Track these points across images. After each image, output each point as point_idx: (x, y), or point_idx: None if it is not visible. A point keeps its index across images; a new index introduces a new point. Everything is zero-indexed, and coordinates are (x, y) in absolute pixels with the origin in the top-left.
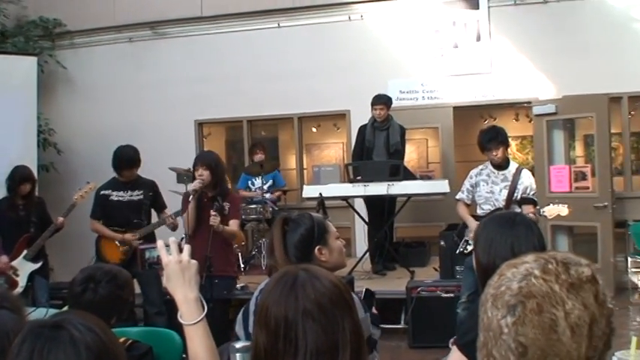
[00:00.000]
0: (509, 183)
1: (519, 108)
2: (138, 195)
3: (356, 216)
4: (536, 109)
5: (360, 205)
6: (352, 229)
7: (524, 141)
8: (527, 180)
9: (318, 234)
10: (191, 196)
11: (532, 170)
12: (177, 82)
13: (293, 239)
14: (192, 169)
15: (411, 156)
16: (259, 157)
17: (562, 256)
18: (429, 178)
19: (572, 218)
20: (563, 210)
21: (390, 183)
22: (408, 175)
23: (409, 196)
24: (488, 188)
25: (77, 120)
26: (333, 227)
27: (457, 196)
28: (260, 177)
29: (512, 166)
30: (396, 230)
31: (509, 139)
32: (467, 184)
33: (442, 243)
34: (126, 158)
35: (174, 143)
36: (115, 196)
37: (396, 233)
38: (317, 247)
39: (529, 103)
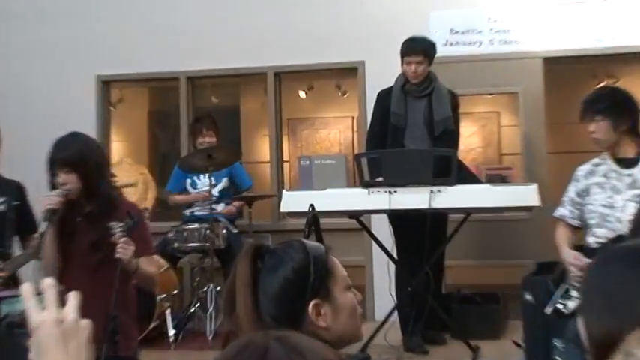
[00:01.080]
0: None
1: None
2: None
3: (374, 247)
4: None
5: (381, 227)
6: (368, 270)
7: None
8: None
9: (315, 279)
10: (45, 224)
11: None
12: (64, 14)
13: (271, 287)
14: (49, 169)
15: (470, 142)
16: (207, 140)
17: None
18: (502, 180)
19: None
20: None
21: (436, 189)
22: (467, 176)
23: (469, 213)
24: (605, 198)
25: None
26: (343, 268)
27: (556, 213)
28: (207, 174)
29: None
30: (446, 273)
31: None
32: (571, 192)
33: (527, 296)
34: None
35: (60, 116)
36: None
37: (446, 278)
38: (312, 303)
39: None
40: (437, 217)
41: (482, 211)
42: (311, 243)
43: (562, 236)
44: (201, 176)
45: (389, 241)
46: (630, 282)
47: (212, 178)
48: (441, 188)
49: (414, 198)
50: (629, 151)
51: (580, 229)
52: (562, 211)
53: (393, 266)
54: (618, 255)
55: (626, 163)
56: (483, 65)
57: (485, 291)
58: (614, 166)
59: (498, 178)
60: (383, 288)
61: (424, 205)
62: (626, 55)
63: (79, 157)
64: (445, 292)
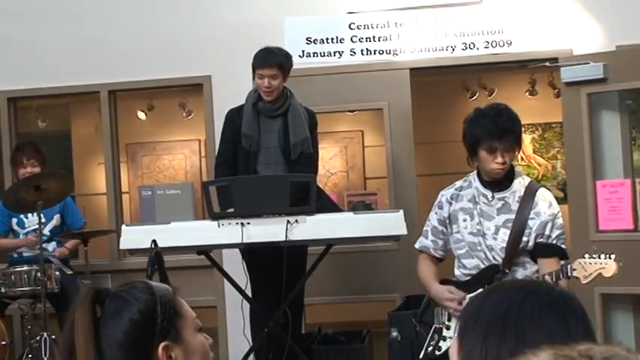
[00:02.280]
0: (512, 215)
1: (538, 71)
2: None
3: (226, 285)
4: (568, 73)
5: (233, 263)
6: (220, 310)
7: (547, 133)
8: (545, 209)
9: (163, 320)
10: None
11: (562, 190)
12: None
13: (115, 333)
14: None
15: (332, 165)
16: (29, 171)
17: (604, 354)
18: (366, 207)
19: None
20: (607, 266)
21: (293, 219)
22: (325, 204)
23: (330, 244)
24: (473, 225)
25: None
26: (191, 310)
27: (417, 245)
28: (35, 212)
29: (519, 183)
30: (306, 311)
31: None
32: (433, 220)
33: (394, 334)
34: None
35: None
36: None
37: (306, 317)
38: (162, 345)
39: (555, 60)
40: (295, 250)
41: (345, 242)
42: (156, 283)
43: (427, 271)
44: (28, 215)
45: (242, 279)
46: (521, 309)
47: (41, 216)
48: (299, 218)
49: (269, 229)
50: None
51: (443, 260)
52: (424, 242)
53: (247, 306)
54: (499, 291)
55: (497, 187)
56: (344, 78)
57: (350, 329)
58: (483, 189)
59: (362, 204)
60: (237, 330)
61: (281, 237)
62: (502, 64)
63: None
64: (305, 332)
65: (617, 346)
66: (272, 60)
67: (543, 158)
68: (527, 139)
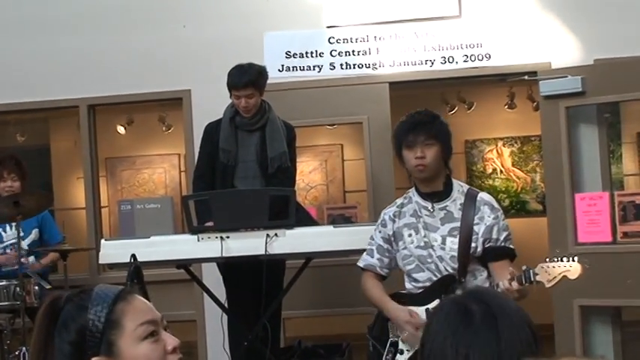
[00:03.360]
0: (457, 224)
1: (516, 84)
2: None
3: (206, 299)
4: (547, 86)
5: (213, 277)
6: (199, 324)
7: (526, 146)
8: (488, 212)
9: (93, 336)
10: None
11: (541, 202)
12: None
13: (60, 346)
14: None
15: (311, 179)
16: (9, 185)
17: None
18: (346, 220)
19: (624, 292)
20: (572, 269)
21: (273, 232)
22: (305, 217)
23: (310, 258)
24: (420, 239)
25: None
26: (141, 315)
27: (361, 263)
28: (13, 225)
29: (458, 191)
30: (285, 324)
31: (499, 143)
32: (377, 239)
33: (373, 346)
34: None
35: None
36: None
37: (285, 330)
38: (94, 359)
39: (533, 74)
40: (273, 264)
41: (325, 255)
42: (101, 290)
43: (377, 288)
44: (7, 227)
45: (222, 292)
46: (452, 341)
47: (19, 230)
48: (279, 232)
49: (248, 243)
50: (438, 184)
51: (386, 278)
52: (370, 261)
53: (225, 319)
54: (443, 311)
55: (437, 197)
56: (324, 92)
57: (329, 342)
58: (423, 202)
59: (341, 218)
60: (216, 344)
61: (260, 251)
62: (481, 77)
63: None
64: (285, 346)
65: (598, 359)
66: (245, 80)
67: (522, 171)
68: (506, 151)
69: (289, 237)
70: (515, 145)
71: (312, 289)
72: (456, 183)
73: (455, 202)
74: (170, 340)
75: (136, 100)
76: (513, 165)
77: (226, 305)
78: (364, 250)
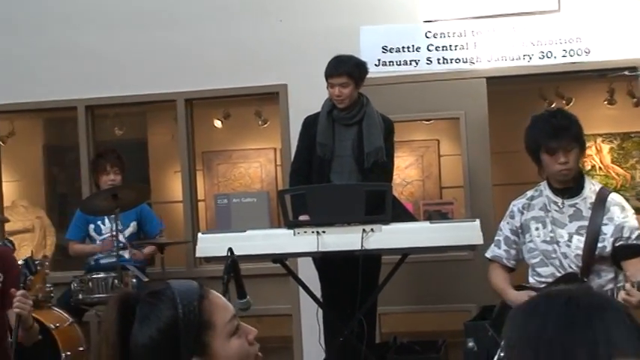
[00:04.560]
0: (585, 222)
1: (616, 80)
2: None
3: (302, 293)
4: None
5: (309, 271)
6: (295, 319)
7: (626, 143)
8: (618, 213)
9: (186, 337)
10: None
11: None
12: None
13: (138, 347)
14: None
15: (408, 174)
16: (111, 178)
17: None
18: (442, 216)
19: None
20: None
21: (369, 228)
22: (401, 213)
23: (406, 254)
24: (546, 233)
25: None
26: (225, 311)
27: (489, 254)
28: (113, 217)
29: (590, 189)
30: (381, 320)
31: (598, 140)
32: (505, 230)
33: (470, 344)
34: None
35: None
36: None
37: (381, 326)
38: None
39: (634, 69)
40: (369, 259)
41: (421, 252)
42: (182, 288)
43: (501, 278)
44: (106, 220)
45: (318, 287)
46: (561, 339)
47: (118, 222)
48: (375, 227)
49: (344, 238)
50: (570, 181)
51: (514, 270)
52: (497, 252)
53: (320, 313)
54: (539, 303)
55: (568, 193)
56: (420, 87)
57: (425, 339)
58: (554, 197)
59: (438, 214)
60: (312, 338)
61: (356, 246)
62: (580, 72)
63: None
64: (380, 342)
65: None
66: (341, 69)
67: (622, 168)
68: (605, 148)
69: (385, 232)
70: (615, 141)
71: (408, 286)
72: (588, 181)
73: (585, 201)
74: (249, 330)
75: (232, 95)
76: (612, 162)
77: (322, 300)
78: (461, 246)
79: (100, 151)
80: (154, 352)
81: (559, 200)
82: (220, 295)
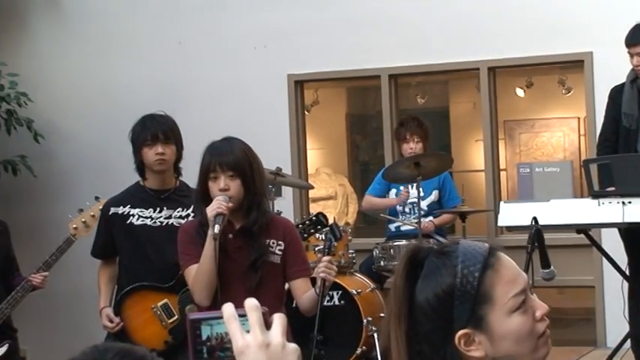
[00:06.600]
0: None
1: None
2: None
3: (605, 265)
4: None
5: (612, 242)
6: (598, 291)
7: None
8: None
9: (460, 308)
10: (216, 229)
11: None
12: (247, 9)
13: (420, 301)
14: (203, 174)
15: None
16: (411, 147)
17: None
18: None
19: None
20: None
21: None
22: None
23: None
24: None
25: (73, 79)
26: (510, 284)
27: None
28: (414, 185)
29: None
30: None
31: None
32: None
33: None
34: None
35: (249, 120)
36: (139, 217)
37: None
38: (459, 334)
39: None
40: None
41: None
42: (469, 254)
43: None
44: (407, 187)
45: (623, 258)
46: None
47: (420, 190)
48: None
49: None
50: None
51: None
52: None
53: (626, 286)
54: None
55: None
56: None
57: None
58: None
59: None
60: (616, 311)
61: None
62: None
63: (244, 161)
64: None
65: None
66: (638, 37)
67: None
68: None
69: None
70: None
71: None
72: None
73: None
74: (539, 306)
75: (536, 63)
76: None
77: (627, 272)
78: None
79: (402, 120)
80: (428, 314)
81: None
82: (511, 266)
